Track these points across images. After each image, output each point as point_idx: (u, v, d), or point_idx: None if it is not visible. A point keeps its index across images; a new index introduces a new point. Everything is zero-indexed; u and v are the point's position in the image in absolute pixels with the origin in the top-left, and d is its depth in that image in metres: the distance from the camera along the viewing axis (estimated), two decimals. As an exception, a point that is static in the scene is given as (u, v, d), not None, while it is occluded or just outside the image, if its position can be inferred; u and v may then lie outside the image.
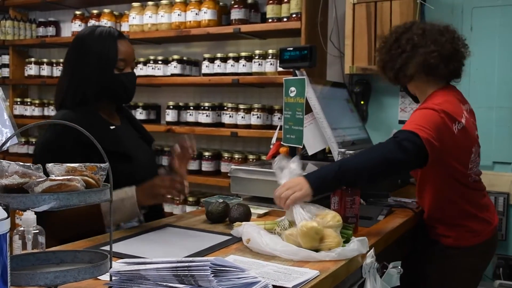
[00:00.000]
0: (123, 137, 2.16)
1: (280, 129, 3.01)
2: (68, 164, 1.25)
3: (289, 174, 1.89)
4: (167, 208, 3.81)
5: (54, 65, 4.80)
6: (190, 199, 3.94)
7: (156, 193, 1.96)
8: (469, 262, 2.40)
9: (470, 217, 2.37)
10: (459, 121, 2.23)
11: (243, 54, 3.78)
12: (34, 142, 4.85)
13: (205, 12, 3.81)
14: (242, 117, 3.73)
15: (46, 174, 1.25)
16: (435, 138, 2.08)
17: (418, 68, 2.32)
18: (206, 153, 3.91)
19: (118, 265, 1.28)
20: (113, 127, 2.18)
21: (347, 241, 1.72)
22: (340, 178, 1.95)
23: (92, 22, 4.41)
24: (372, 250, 1.80)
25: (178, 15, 3.94)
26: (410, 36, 2.35)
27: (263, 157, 3.63)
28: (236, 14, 3.73)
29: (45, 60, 4.84)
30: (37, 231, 1.43)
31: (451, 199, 2.35)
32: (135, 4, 4.19)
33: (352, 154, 2.02)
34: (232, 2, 3.79)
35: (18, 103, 4.98)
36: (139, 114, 4.16)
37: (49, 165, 1.26)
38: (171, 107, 4.09)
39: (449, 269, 2.40)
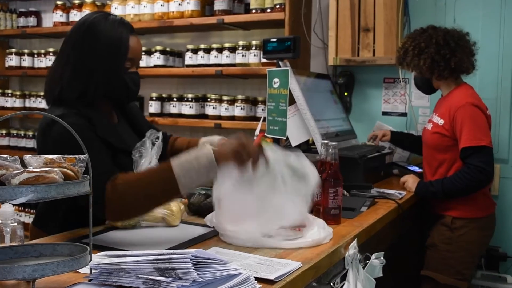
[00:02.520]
0: (123, 135, 1.97)
1: (264, 120, 3.00)
2: (46, 156, 1.23)
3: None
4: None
5: (36, 56, 4.73)
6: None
7: (239, 151, 1.63)
8: (475, 233, 2.70)
9: (480, 193, 2.68)
10: (487, 110, 2.71)
11: (226, 45, 3.76)
12: (15, 134, 4.80)
13: (188, 3, 3.78)
14: (226, 108, 3.71)
15: (24, 166, 1.23)
16: (489, 135, 2.60)
17: (470, 65, 2.73)
18: (190, 145, 3.88)
19: (98, 258, 1.27)
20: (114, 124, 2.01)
21: None
22: (436, 197, 2.68)
23: (73, 12, 4.35)
24: (355, 241, 1.80)
25: (161, 5, 3.90)
26: (451, 37, 2.70)
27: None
28: (219, 4, 3.70)
29: (26, 51, 4.78)
30: (16, 223, 1.40)
31: None
32: (117, -6, 4.14)
33: (335, 145, 2.01)
34: (216, -7, 3.76)
35: (-1, 94, 4.92)
36: (122, 106, 4.12)
37: (27, 157, 1.23)
38: (154, 98, 4.07)
39: (457, 239, 2.69)
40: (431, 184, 2.69)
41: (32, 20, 4.81)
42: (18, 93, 4.82)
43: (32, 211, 4.53)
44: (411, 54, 2.74)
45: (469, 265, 2.72)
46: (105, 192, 1.61)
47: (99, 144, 1.76)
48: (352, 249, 1.77)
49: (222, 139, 2.03)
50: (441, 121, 2.71)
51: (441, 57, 2.67)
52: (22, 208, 4.60)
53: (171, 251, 1.17)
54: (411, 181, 2.75)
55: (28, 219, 4.52)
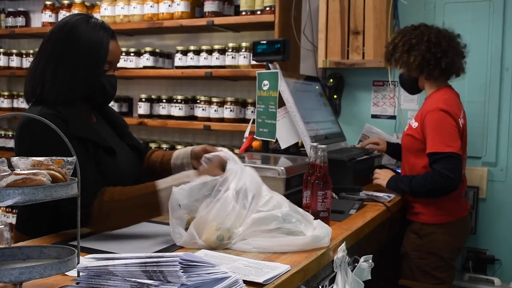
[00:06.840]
0: (102, 133, 1.98)
1: (253, 122, 3.00)
2: (34, 158, 1.22)
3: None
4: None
5: (24, 56, 4.70)
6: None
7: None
8: (443, 239, 2.64)
9: (446, 198, 2.61)
10: (461, 117, 2.63)
11: (216, 47, 3.76)
12: (3, 135, 4.76)
13: (178, 4, 3.77)
14: (215, 110, 3.71)
15: (11, 167, 1.21)
16: (458, 141, 2.52)
17: (461, 68, 2.71)
18: (179, 147, 3.88)
19: (86, 261, 1.25)
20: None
21: None
22: (406, 194, 2.64)
23: (62, 13, 4.32)
24: (343, 244, 1.80)
25: (151, 6, 3.89)
26: (444, 36, 2.66)
27: (236, 151, 3.61)
28: (209, 6, 3.70)
29: (14, 51, 4.75)
30: (2, 226, 1.39)
31: None
32: (107, -6, 4.13)
33: (324, 148, 2.00)
34: (206, -6, 3.76)
35: (-14, 95, 4.88)
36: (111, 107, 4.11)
37: (14, 159, 1.22)
38: (144, 99, 4.05)
39: (426, 245, 2.63)
40: (401, 180, 2.64)
41: (20, 20, 4.78)
42: (6, 93, 4.78)
43: (19, 212, 4.48)
44: (400, 50, 2.66)
45: (443, 269, 2.64)
46: (91, 208, 1.68)
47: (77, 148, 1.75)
48: (341, 252, 1.77)
49: (193, 149, 2.12)
50: (415, 124, 2.67)
51: (432, 55, 2.60)
52: (10, 210, 4.55)
53: (160, 254, 1.17)
54: (382, 177, 2.72)
55: (15, 220, 4.48)
